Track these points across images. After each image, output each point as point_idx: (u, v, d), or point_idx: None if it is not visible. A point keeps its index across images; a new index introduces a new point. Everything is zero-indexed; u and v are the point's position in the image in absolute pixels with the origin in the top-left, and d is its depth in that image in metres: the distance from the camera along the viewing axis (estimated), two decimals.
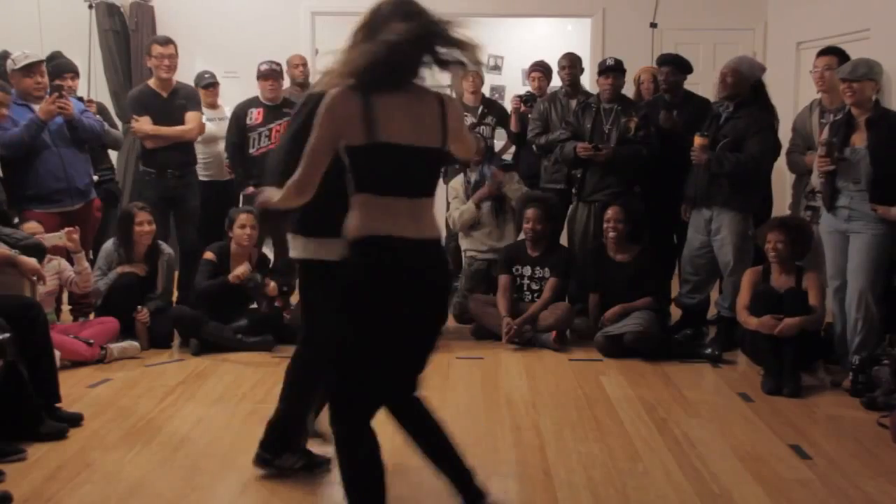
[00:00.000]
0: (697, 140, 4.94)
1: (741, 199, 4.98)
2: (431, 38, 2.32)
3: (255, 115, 5.75)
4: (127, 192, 6.76)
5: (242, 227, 5.10)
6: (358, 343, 2.39)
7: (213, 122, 6.05)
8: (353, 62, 2.32)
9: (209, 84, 6.13)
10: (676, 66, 5.54)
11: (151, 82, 5.63)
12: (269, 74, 5.74)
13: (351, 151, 2.35)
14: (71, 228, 4.67)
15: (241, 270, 4.99)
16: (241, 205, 5.90)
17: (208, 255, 5.14)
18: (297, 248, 2.93)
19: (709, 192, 5.01)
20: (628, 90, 5.68)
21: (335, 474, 2.91)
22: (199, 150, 6.05)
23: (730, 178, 4.91)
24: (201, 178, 6.06)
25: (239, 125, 5.77)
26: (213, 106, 6.15)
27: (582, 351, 5.07)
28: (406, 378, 2.58)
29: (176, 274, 5.52)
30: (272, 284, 5.12)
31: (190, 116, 5.61)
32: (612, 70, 5.36)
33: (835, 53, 4.85)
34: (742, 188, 4.96)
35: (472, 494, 2.61)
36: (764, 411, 4.04)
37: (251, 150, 5.76)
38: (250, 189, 5.79)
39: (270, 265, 5.58)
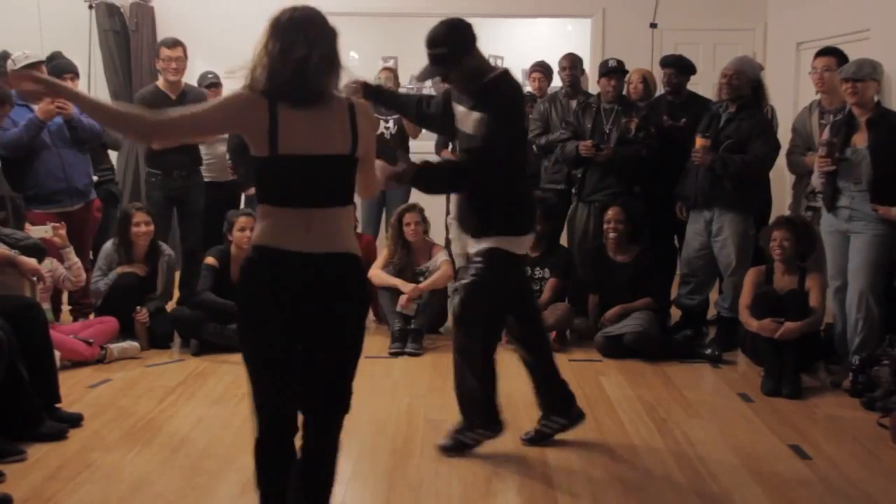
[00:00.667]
0: (699, 141, 4.93)
1: (744, 200, 4.98)
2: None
3: None
4: (127, 193, 6.76)
5: (242, 229, 5.10)
6: (245, 349, 2.43)
7: None
8: (260, 74, 2.29)
9: (212, 84, 6.12)
10: (679, 67, 5.53)
11: (160, 83, 5.64)
12: None
13: (257, 162, 2.39)
14: (57, 224, 4.66)
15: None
16: (243, 205, 5.90)
17: (210, 260, 5.14)
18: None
19: (711, 193, 5.00)
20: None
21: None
22: (202, 151, 6.05)
23: (734, 180, 4.91)
24: (204, 178, 6.06)
25: None
26: None
27: (582, 351, 5.07)
28: (306, 395, 2.45)
29: (177, 273, 5.53)
30: None
31: None
32: (615, 72, 5.36)
33: (833, 54, 4.84)
34: (745, 189, 4.95)
35: None
36: (764, 411, 4.04)
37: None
38: (252, 190, 5.79)
39: None
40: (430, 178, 3.29)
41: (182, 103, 5.56)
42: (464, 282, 3.43)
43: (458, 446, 3.47)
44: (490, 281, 3.32)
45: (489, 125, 3.18)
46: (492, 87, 3.24)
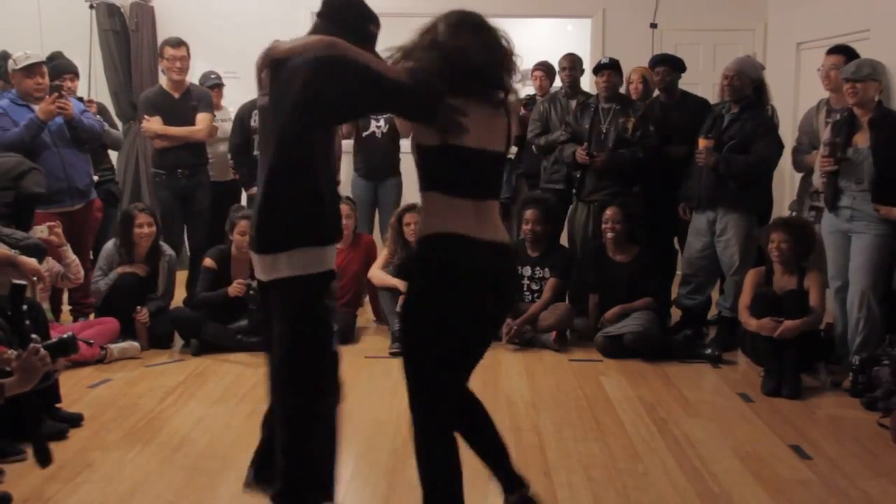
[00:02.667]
0: (702, 142, 4.93)
1: (748, 200, 4.98)
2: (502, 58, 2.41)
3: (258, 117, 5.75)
4: (127, 193, 6.76)
5: (243, 234, 5.11)
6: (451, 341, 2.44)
7: (216, 123, 6.05)
8: (428, 64, 2.33)
9: (214, 85, 6.12)
10: (672, 65, 5.53)
11: (164, 83, 5.67)
12: None
13: (423, 150, 2.41)
14: (53, 223, 4.66)
15: (235, 289, 4.98)
16: (246, 205, 5.87)
17: (208, 262, 5.14)
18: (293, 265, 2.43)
19: (715, 194, 5.00)
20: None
21: None
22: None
23: (739, 180, 4.91)
24: None
25: (243, 126, 5.76)
26: (218, 107, 6.15)
27: (582, 351, 5.07)
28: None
29: (185, 273, 5.54)
30: None
31: (200, 118, 5.64)
32: (607, 68, 5.36)
33: (842, 53, 4.80)
34: (749, 190, 4.95)
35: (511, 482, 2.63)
36: (764, 411, 4.04)
37: (256, 152, 5.76)
38: (254, 189, 5.79)
39: None
40: None
41: (185, 102, 5.61)
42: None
43: None
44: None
45: None
46: None
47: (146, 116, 5.56)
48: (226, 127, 6.02)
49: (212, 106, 5.79)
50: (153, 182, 5.86)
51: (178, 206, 5.61)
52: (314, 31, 2.49)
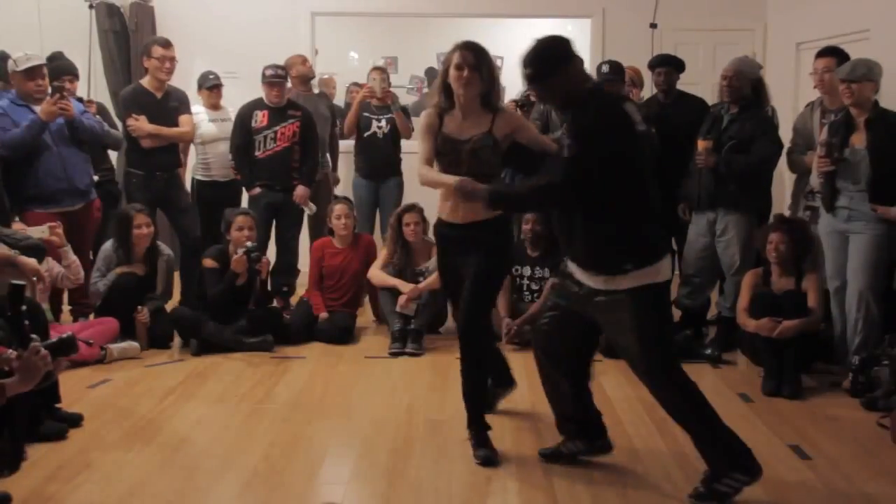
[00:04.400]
0: (701, 144, 4.92)
1: (748, 200, 4.97)
2: None
3: (260, 118, 5.73)
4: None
5: (240, 229, 5.10)
6: None
7: (215, 124, 6.04)
8: None
9: (214, 85, 6.09)
10: (674, 65, 5.53)
11: (145, 82, 5.63)
12: (275, 83, 5.71)
13: None
14: (54, 223, 4.66)
15: (237, 262, 5.02)
16: (247, 205, 5.86)
17: (209, 262, 5.14)
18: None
19: (715, 194, 4.99)
20: None
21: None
22: (200, 151, 6.05)
23: (739, 181, 4.91)
24: (201, 178, 6.06)
25: (244, 127, 5.74)
26: (217, 107, 6.13)
27: None
28: None
29: (176, 273, 5.53)
30: (266, 260, 5.16)
31: (184, 119, 5.65)
32: (610, 81, 5.32)
33: (833, 55, 4.81)
34: (750, 189, 4.95)
35: None
36: (764, 412, 4.04)
37: (257, 153, 5.74)
38: (256, 189, 5.78)
39: (271, 266, 5.58)
40: (504, 202, 3.34)
41: (166, 103, 5.58)
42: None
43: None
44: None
45: (569, 151, 3.02)
46: (577, 112, 3.08)
47: (134, 115, 5.53)
48: (224, 127, 6.01)
49: (190, 107, 5.81)
50: (126, 182, 5.73)
51: (153, 209, 5.48)
52: None
